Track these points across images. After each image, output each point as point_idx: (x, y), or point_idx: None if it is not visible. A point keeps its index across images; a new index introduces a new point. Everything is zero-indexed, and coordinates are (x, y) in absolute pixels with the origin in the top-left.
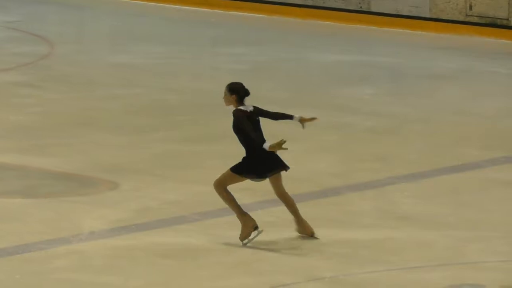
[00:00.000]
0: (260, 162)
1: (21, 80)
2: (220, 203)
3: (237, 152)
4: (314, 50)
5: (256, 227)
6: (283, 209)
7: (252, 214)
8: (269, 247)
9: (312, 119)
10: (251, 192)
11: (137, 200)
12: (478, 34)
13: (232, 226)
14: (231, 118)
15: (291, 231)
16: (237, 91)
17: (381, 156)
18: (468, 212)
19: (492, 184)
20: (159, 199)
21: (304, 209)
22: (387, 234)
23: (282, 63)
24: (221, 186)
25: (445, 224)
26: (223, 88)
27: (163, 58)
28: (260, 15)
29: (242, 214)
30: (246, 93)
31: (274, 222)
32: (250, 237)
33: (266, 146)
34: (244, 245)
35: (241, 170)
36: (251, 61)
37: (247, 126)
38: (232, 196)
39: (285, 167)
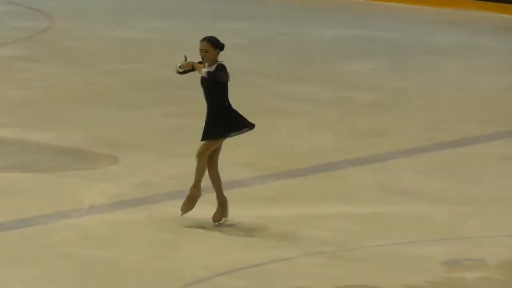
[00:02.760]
0: (232, 118)
1: (20, 54)
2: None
3: None
4: (314, 24)
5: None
6: (283, 183)
7: (251, 188)
8: (270, 221)
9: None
10: (250, 166)
11: (137, 174)
12: (479, 8)
13: (232, 200)
14: (234, 93)
15: (292, 206)
16: (220, 46)
17: (381, 131)
18: (468, 187)
19: (492, 159)
20: (159, 174)
21: (305, 184)
22: (387, 209)
23: (282, 38)
24: (201, 157)
25: (445, 199)
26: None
27: (163, 32)
28: None
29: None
30: (223, 47)
31: (274, 197)
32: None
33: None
34: (219, 224)
35: (215, 133)
36: (251, 36)
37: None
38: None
39: (250, 126)
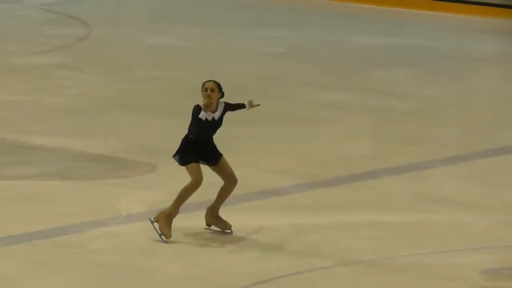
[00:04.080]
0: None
1: (58, 62)
2: (257, 186)
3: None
4: (350, 32)
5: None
6: (320, 191)
7: (288, 196)
8: (307, 230)
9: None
10: (287, 174)
11: (173, 182)
12: None
13: (269, 208)
14: (271, 101)
15: (328, 214)
16: (222, 90)
17: (417, 139)
18: (505, 195)
19: None
20: None
21: (341, 192)
22: (424, 217)
23: (320, 45)
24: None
25: (482, 207)
26: (260, 71)
27: (200, 40)
28: None
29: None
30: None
31: (311, 205)
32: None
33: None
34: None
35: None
36: (287, 43)
37: None
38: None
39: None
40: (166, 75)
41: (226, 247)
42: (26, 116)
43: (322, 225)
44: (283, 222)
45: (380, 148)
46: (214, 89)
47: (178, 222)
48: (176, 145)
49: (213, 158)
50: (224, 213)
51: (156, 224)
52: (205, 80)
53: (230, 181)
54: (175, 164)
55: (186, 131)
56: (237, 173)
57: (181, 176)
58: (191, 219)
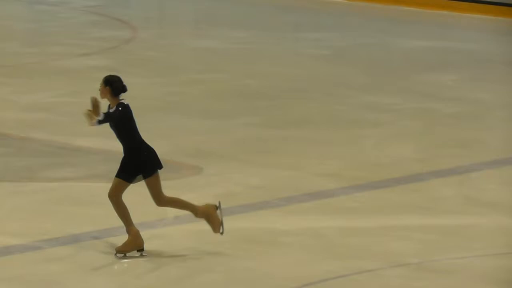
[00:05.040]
0: (142, 160)
1: (104, 64)
2: (305, 188)
3: (320, 138)
4: (395, 35)
5: (141, 250)
6: (367, 194)
7: (335, 199)
8: (354, 232)
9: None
10: (334, 177)
11: (220, 184)
12: None
13: (317, 211)
14: (317, 103)
15: (376, 217)
16: (110, 83)
17: (464, 142)
18: None
19: None
20: (242, 184)
21: (389, 195)
22: (471, 220)
23: (363, 48)
24: (114, 196)
25: None
26: (304, 73)
27: (245, 42)
28: (342, 0)
29: (132, 230)
30: (122, 87)
31: (358, 208)
32: (128, 254)
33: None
34: (116, 257)
35: (129, 174)
36: (332, 46)
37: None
38: (126, 208)
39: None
40: (212, 78)
41: (274, 249)
42: (71, 118)
43: (370, 227)
44: (330, 225)
45: (427, 151)
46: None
47: (228, 224)
48: (221, 146)
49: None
50: (272, 215)
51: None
52: None
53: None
54: (221, 166)
55: (231, 133)
56: (280, 175)
57: (227, 178)
58: (239, 221)
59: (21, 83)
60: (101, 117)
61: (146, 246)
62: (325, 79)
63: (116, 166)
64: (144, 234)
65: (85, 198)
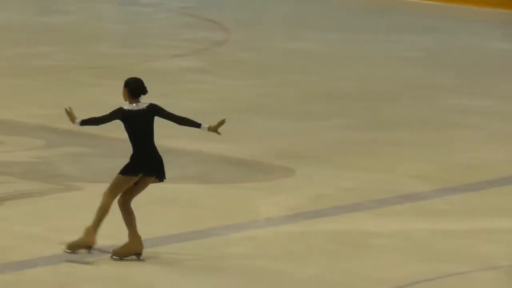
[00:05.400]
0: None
1: (196, 66)
2: (396, 191)
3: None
4: (487, 37)
5: (138, 254)
6: (459, 197)
7: (427, 201)
8: (445, 235)
9: (221, 123)
10: (426, 180)
11: (313, 186)
12: None
13: (408, 213)
14: (409, 106)
15: (468, 219)
16: (128, 85)
17: None
18: None
19: None
20: (334, 186)
21: (481, 198)
22: None
23: (456, 51)
24: (113, 195)
25: None
26: (397, 76)
27: (337, 44)
28: (435, 3)
29: (135, 233)
30: (139, 89)
31: (450, 210)
32: (117, 257)
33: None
34: (112, 259)
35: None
36: (425, 48)
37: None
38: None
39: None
40: (304, 80)
41: (365, 251)
42: (163, 120)
43: (461, 230)
44: (422, 227)
45: None
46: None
47: (320, 226)
48: (313, 148)
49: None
50: (363, 217)
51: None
52: None
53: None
54: (313, 168)
55: (323, 135)
56: (372, 178)
57: (319, 180)
58: (331, 223)
59: (114, 84)
60: (78, 122)
61: (238, 248)
62: (417, 81)
63: (208, 167)
64: (236, 236)
65: (178, 199)
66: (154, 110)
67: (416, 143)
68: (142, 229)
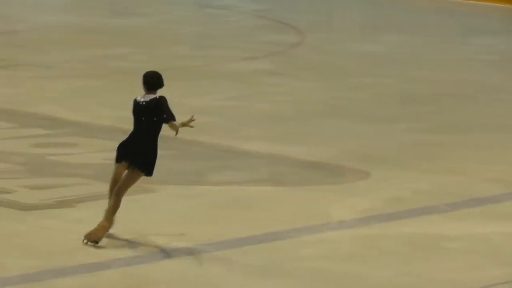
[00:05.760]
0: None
1: (270, 68)
2: (470, 194)
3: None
4: None
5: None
6: None
7: (502, 204)
8: None
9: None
10: (501, 183)
11: (386, 189)
12: None
13: (483, 216)
14: (483, 109)
15: None
16: (143, 78)
17: None
18: None
19: None
20: (408, 189)
21: None
22: None
23: None
24: (125, 190)
25: None
26: (471, 78)
27: (412, 47)
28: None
29: (112, 219)
30: (148, 83)
31: None
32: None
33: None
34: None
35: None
36: (502, 52)
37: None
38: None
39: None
40: (378, 82)
41: (439, 255)
42: (236, 122)
43: None
44: (496, 230)
45: None
46: None
47: (393, 228)
48: (387, 151)
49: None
50: (437, 220)
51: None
52: None
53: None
54: (387, 171)
55: (397, 138)
56: (446, 181)
57: (393, 182)
58: (404, 226)
59: (189, 86)
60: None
61: (311, 250)
62: (492, 84)
63: (280, 170)
64: (309, 238)
65: (249, 202)
66: (156, 107)
67: (490, 146)
68: (213, 231)
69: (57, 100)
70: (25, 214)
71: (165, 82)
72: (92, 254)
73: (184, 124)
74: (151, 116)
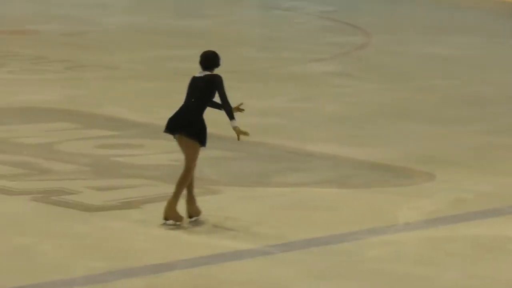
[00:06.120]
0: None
1: (336, 70)
2: None
3: None
4: None
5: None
6: None
7: None
8: None
9: (244, 133)
10: None
11: (452, 191)
12: None
13: None
14: None
15: None
16: (199, 57)
17: None
18: None
19: None
20: (473, 191)
21: None
22: None
23: None
24: (191, 164)
25: None
26: None
27: (477, 49)
28: None
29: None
30: (202, 62)
31: None
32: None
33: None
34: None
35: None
36: None
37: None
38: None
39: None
40: (443, 84)
41: (504, 257)
42: (303, 123)
43: None
44: None
45: None
46: None
47: (459, 230)
48: (453, 153)
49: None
50: (503, 223)
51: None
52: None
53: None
54: (452, 172)
55: (462, 140)
56: (503, 183)
57: (459, 184)
58: (470, 228)
59: (255, 88)
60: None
61: (377, 252)
62: None
63: (347, 171)
64: (375, 240)
65: (316, 204)
66: (209, 81)
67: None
68: (280, 233)
69: (122, 101)
70: (90, 215)
71: (221, 62)
72: (157, 255)
73: (235, 110)
74: (204, 90)
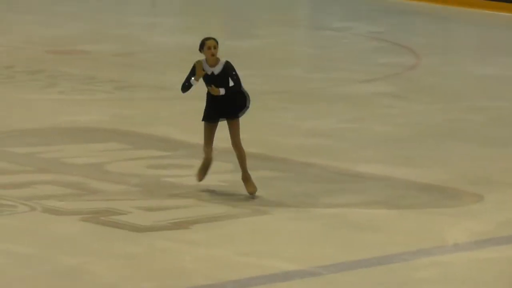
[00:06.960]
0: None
1: (387, 90)
2: None
3: None
4: None
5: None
6: None
7: None
8: None
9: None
10: None
11: (501, 212)
12: None
13: None
14: None
15: None
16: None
17: None
18: None
19: None
20: None
21: None
22: None
23: None
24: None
25: None
26: None
27: None
28: None
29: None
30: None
31: None
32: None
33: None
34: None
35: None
36: None
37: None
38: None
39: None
40: (493, 105)
41: None
42: (353, 144)
43: None
44: None
45: None
46: (216, 46)
47: (507, 252)
48: (502, 174)
49: (230, 113)
50: None
51: None
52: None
53: (233, 145)
54: (503, 193)
55: (511, 161)
56: None
57: (508, 206)
58: None
59: (304, 109)
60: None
61: (425, 274)
62: None
63: (396, 192)
64: (423, 261)
65: (364, 225)
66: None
67: None
68: (329, 254)
69: (172, 122)
70: (140, 235)
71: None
72: (206, 276)
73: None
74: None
